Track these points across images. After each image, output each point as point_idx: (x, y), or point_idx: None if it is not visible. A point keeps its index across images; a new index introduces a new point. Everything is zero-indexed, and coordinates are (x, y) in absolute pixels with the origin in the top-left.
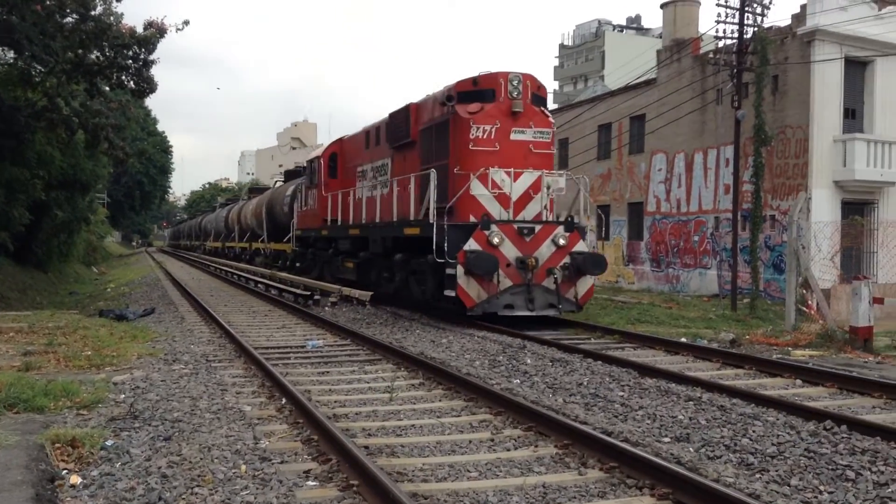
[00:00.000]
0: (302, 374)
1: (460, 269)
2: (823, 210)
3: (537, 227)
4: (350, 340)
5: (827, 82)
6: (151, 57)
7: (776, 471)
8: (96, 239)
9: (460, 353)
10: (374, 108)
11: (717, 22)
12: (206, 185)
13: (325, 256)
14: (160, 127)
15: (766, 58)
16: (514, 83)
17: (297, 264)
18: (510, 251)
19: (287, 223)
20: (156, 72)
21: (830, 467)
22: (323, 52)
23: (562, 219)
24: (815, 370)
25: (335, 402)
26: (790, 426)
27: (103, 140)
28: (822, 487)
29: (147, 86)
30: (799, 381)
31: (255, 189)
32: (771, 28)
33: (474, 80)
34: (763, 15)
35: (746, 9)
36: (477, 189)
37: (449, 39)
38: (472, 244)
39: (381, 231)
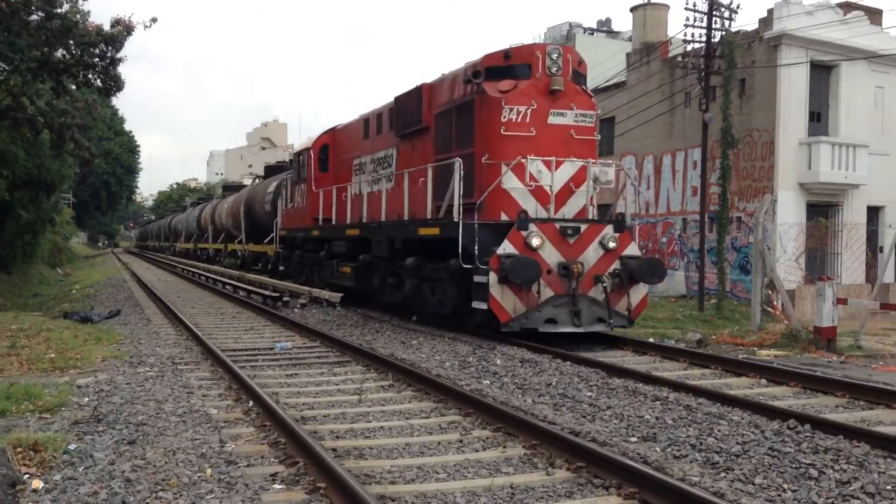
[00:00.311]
0: (270, 377)
1: (493, 277)
2: (789, 212)
3: (583, 227)
4: (319, 342)
5: (793, 86)
6: (118, 55)
7: (741, 469)
8: (61, 240)
9: (431, 355)
10: (343, 110)
11: (686, 26)
12: (174, 186)
13: (314, 259)
14: (127, 126)
15: (733, 61)
16: (554, 56)
17: (281, 268)
18: (551, 255)
19: (269, 223)
20: (123, 70)
21: (794, 466)
22: (295, 52)
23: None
24: (779, 370)
25: (303, 404)
26: (755, 425)
27: (69, 140)
28: (785, 486)
29: (114, 84)
30: (764, 381)
31: (231, 187)
32: (738, 32)
33: (506, 54)
34: (731, 19)
35: (714, 13)
36: (510, 182)
37: (418, 42)
38: (506, 247)
39: (387, 231)
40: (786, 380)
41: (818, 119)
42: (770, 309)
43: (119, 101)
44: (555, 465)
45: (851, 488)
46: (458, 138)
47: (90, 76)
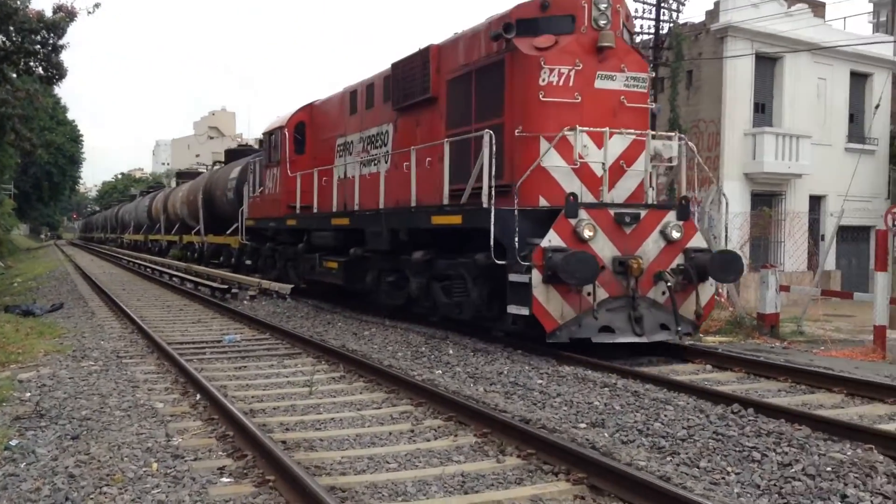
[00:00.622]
0: (218, 370)
1: (536, 276)
2: (734, 201)
3: (642, 213)
4: (269, 334)
5: (738, 77)
6: (61, 42)
7: (686, 453)
8: (2, 232)
9: (383, 346)
10: (294, 98)
11: (635, 17)
12: (119, 176)
13: (290, 253)
14: (70, 115)
15: (680, 53)
16: (602, 7)
17: (248, 262)
18: (605, 249)
19: (231, 212)
20: (66, 58)
21: (737, 449)
22: (244, 41)
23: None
24: (724, 355)
25: (252, 397)
26: (700, 410)
27: (10, 131)
28: (729, 468)
29: (56, 72)
30: (709, 367)
31: (186, 174)
32: (686, 24)
33: (543, 3)
34: (678, 11)
35: (662, 5)
36: (551, 159)
37: (375, 37)
38: (553, 239)
39: (388, 221)
40: (730, 365)
41: (762, 110)
42: (716, 296)
43: (62, 90)
44: (505, 452)
45: (793, 470)
46: (481, 108)
47: (31, 64)
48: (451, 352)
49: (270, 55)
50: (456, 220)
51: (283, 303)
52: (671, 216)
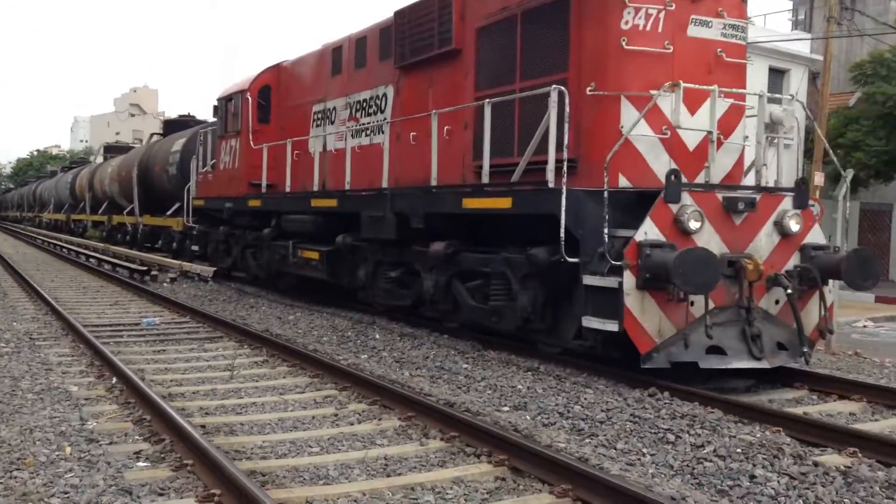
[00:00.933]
0: (135, 353)
1: (629, 279)
2: None
3: (757, 199)
4: (189, 317)
5: None
6: None
7: (604, 435)
8: None
9: (308, 330)
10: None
11: None
12: (35, 153)
13: (251, 239)
14: None
15: None
16: None
17: (195, 248)
18: (712, 244)
19: (173, 190)
20: None
21: (653, 431)
22: (168, 11)
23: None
24: (826, 377)
25: (171, 381)
26: (618, 393)
27: None
28: (644, 450)
29: None
30: (815, 395)
31: (116, 148)
32: None
33: None
34: None
35: None
36: (636, 126)
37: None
38: (648, 230)
39: (396, 204)
40: (847, 391)
41: None
42: None
43: None
44: (429, 435)
45: (705, 451)
46: (531, 61)
47: None
48: (377, 336)
49: (196, 29)
50: (502, 203)
51: (205, 286)
52: (787, 203)
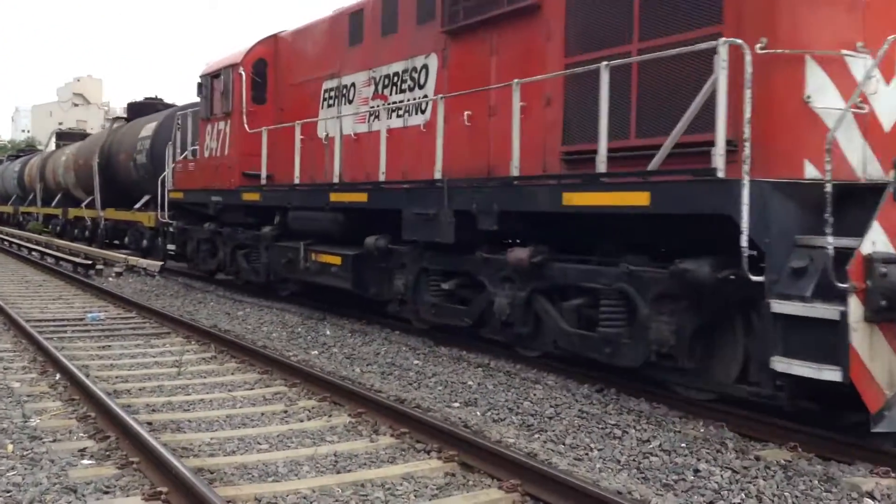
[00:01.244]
0: (80, 349)
1: (856, 308)
2: None
3: None
4: (136, 313)
5: None
6: None
7: (553, 431)
8: None
9: (257, 326)
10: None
11: None
12: None
13: (246, 239)
14: None
15: None
16: None
17: (171, 247)
18: None
19: (142, 181)
20: None
21: (601, 426)
22: (114, 4)
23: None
24: None
25: (116, 377)
26: (567, 389)
27: None
28: (592, 445)
29: None
30: None
31: (69, 135)
32: None
33: None
34: None
35: None
36: (823, 96)
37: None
38: (877, 238)
39: (457, 199)
40: None
41: None
42: None
43: None
44: (379, 432)
45: (651, 446)
46: (658, 14)
47: None
48: (328, 332)
49: (140, 18)
50: (635, 199)
51: (151, 280)
52: None
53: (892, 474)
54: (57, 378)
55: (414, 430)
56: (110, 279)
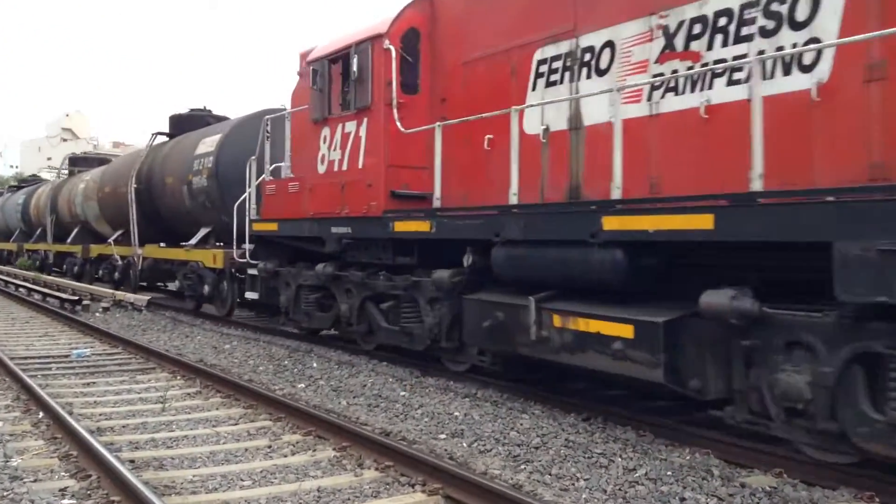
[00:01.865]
0: (64, 386)
1: None
2: None
3: None
4: (122, 348)
5: None
6: None
7: (539, 461)
8: None
9: (244, 360)
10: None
11: None
12: None
13: (390, 287)
14: None
15: None
16: None
17: (251, 294)
18: None
19: (194, 211)
20: None
21: (587, 456)
22: (99, 39)
23: None
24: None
25: (100, 414)
26: (553, 418)
27: None
28: (578, 475)
29: None
30: None
31: (85, 159)
32: None
33: None
34: None
35: None
36: None
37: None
38: None
39: None
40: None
41: None
42: None
43: None
44: (364, 465)
45: (637, 475)
46: None
47: None
48: (314, 365)
49: (126, 56)
50: None
51: (139, 315)
52: None
53: (877, 499)
54: (40, 416)
55: (399, 463)
56: (97, 314)
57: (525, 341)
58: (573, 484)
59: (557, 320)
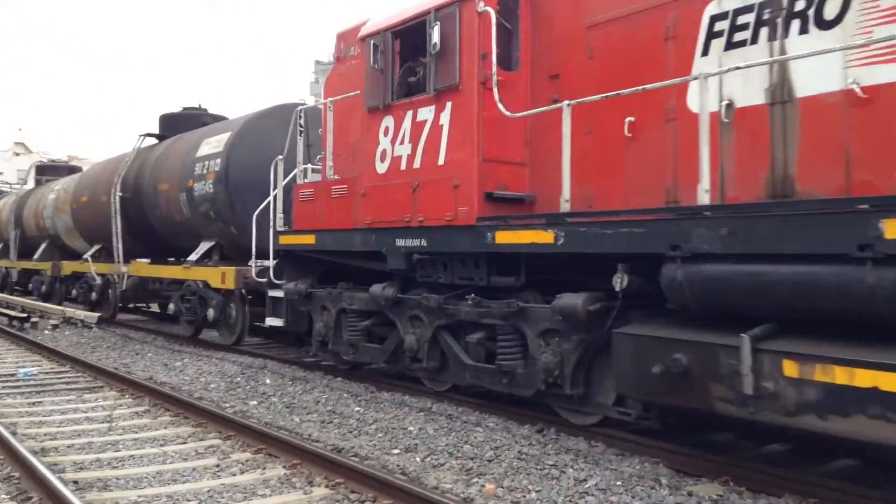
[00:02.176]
0: (9, 406)
1: None
2: None
3: None
4: (70, 367)
5: None
6: None
7: (492, 474)
8: None
9: (195, 377)
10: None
11: None
12: None
13: (480, 314)
14: None
15: None
16: None
17: (274, 321)
18: None
19: (196, 222)
20: None
21: (539, 467)
22: (52, 51)
23: None
24: None
25: (45, 434)
26: (507, 430)
27: None
28: (531, 487)
29: None
30: None
31: (55, 168)
32: None
33: None
34: None
35: None
36: None
37: (200, 56)
38: None
39: None
40: None
41: None
42: None
43: None
44: (314, 483)
45: (587, 485)
46: None
47: None
48: (268, 381)
49: (68, 75)
50: None
51: (88, 332)
52: None
53: None
54: None
55: (350, 479)
56: (46, 332)
57: (730, 396)
58: (524, 496)
59: (791, 368)
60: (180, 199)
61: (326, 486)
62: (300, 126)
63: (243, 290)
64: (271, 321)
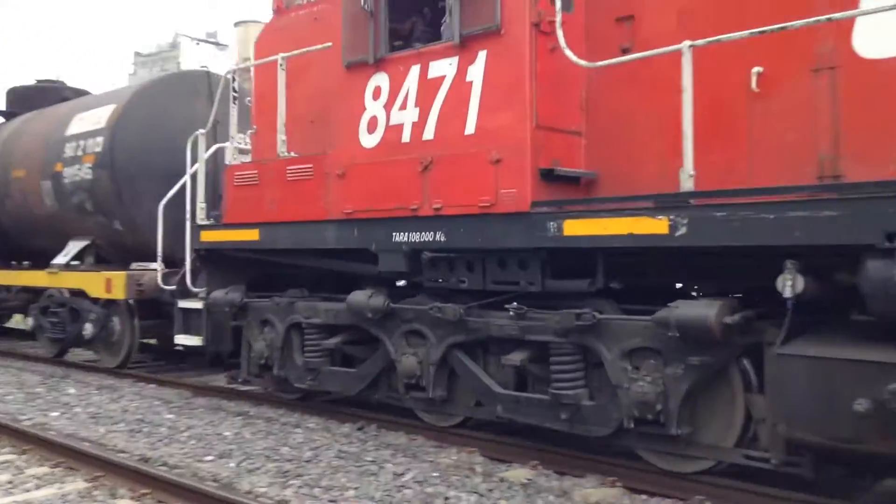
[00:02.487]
0: None
1: None
2: None
3: None
4: None
5: None
6: None
7: (309, 475)
8: None
9: None
10: None
11: None
12: None
13: (556, 328)
14: None
15: None
16: None
17: (192, 341)
18: None
19: (66, 216)
20: None
21: (358, 465)
22: None
23: None
24: None
25: None
26: (328, 430)
27: None
28: (349, 485)
29: None
30: None
31: None
32: None
33: None
34: None
35: None
36: None
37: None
38: None
39: None
40: None
41: None
42: None
43: None
44: (117, 496)
45: (405, 479)
46: None
47: None
48: (72, 391)
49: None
50: None
51: None
52: None
53: (619, 483)
54: None
55: (157, 490)
56: None
57: None
58: (342, 494)
59: None
60: (42, 189)
61: (131, 498)
62: (234, 91)
63: (130, 301)
64: (183, 339)
